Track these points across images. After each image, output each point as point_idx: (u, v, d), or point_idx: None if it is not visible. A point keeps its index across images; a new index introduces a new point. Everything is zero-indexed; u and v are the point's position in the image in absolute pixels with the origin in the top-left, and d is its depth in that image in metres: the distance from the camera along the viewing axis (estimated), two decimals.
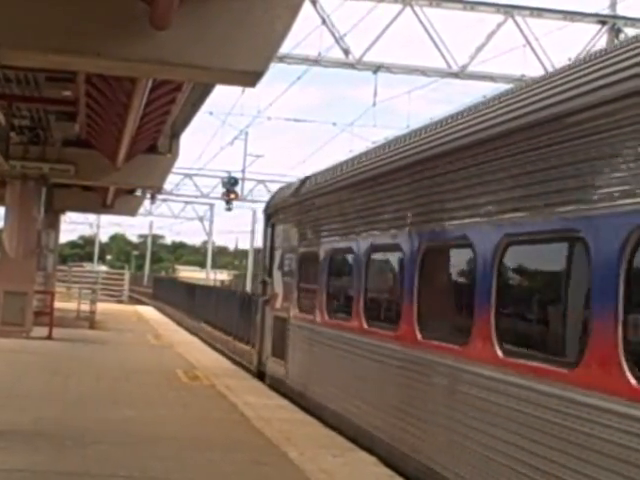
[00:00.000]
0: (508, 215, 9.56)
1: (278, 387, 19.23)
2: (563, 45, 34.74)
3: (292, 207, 19.40)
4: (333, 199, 16.36)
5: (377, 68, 29.95)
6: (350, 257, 15.19)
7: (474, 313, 10.12)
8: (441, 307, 12.08)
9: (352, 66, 29.49)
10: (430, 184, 11.76)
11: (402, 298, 12.49)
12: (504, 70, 31.77)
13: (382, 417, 12.87)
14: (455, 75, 30.34)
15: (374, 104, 33.70)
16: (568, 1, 33.16)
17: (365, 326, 14.02)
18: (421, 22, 29.19)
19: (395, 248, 12.97)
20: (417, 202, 12.26)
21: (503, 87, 32.11)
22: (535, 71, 30.76)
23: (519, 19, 30.64)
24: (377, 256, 14.23)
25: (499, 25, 30.56)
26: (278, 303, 20.03)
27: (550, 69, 30.43)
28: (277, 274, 20.33)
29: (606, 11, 31.72)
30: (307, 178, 18.95)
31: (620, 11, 31.80)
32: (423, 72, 30.59)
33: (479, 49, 30.47)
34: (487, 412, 9.59)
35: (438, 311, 12.08)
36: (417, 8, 29.03)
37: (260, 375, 21.43)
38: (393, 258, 13.65)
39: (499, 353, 9.53)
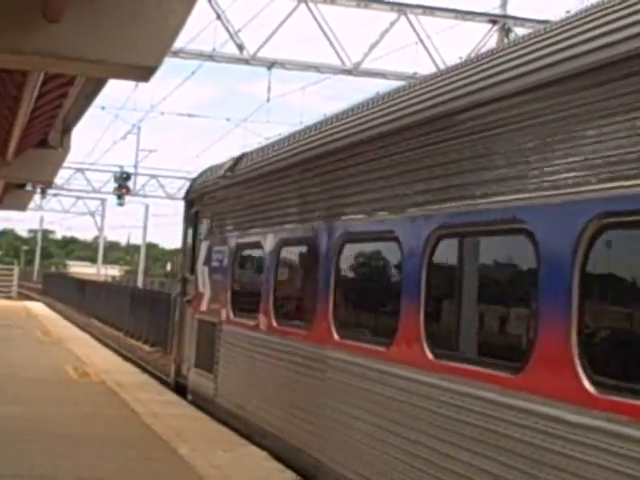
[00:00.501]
0: (438, 206, 8.81)
1: (204, 405, 16.25)
2: (455, 43, 35.28)
3: (224, 190, 16.25)
4: (277, 179, 13.77)
5: (271, 64, 30.03)
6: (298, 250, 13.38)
7: (400, 312, 9.31)
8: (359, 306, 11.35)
9: (246, 62, 29.51)
10: (355, 171, 10.91)
11: (315, 296, 11.61)
12: (397, 67, 32.19)
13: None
14: (349, 72, 30.60)
15: (268, 100, 33.82)
16: (460, 0, 33.60)
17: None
18: (315, 19, 29.37)
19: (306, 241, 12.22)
20: (338, 193, 11.34)
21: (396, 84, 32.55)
22: (427, 69, 31.26)
23: (412, 17, 30.98)
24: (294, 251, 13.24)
25: (392, 23, 30.87)
26: (204, 304, 16.75)
27: (442, 67, 30.95)
28: (203, 270, 16.96)
29: (497, 11, 32.21)
30: (243, 155, 15.88)
31: (510, 11, 32.44)
32: (317, 68, 30.79)
33: (373, 46, 30.78)
34: (417, 418, 8.84)
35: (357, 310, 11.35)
36: (312, 4, 29.21)
37: (179, 389, 18.20)
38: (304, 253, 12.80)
39: (429, 355, 8.79)
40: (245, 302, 14.94)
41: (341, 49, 30.11)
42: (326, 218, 11.52)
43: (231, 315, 15.08)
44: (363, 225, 10.61)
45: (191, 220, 18.35)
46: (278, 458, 12.24)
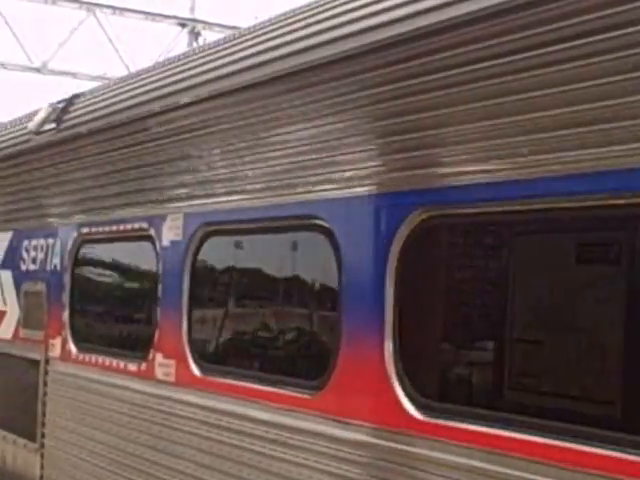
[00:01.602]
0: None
1: None
2: (147, 45, 35.60)
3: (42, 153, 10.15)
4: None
5: None
6: None
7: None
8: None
9: None
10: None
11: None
12: (88, 67, 32.20)
13: None
14: (37, 70, 30.69)
15: None
16: (152, 2, 34.26)
17: None
18: (1, 14, 29.19)
19: None
20: None
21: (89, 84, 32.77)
22: (118, 70, 32.26)
23: (101, 16, 31.41)
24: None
25: (81, 22, 31.10)
26: (7, 327, 10.38)
27: (132, 68, 31.67)
28: None
29: (187, 14, 32.87)
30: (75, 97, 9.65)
31: (198, 15, 33.05)
32: (3, 65, 30.51)
33: (62, 45, 30.99)
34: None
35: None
36: None
37: None
38: None
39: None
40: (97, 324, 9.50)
41: (28, 46, 30.10)
42: None
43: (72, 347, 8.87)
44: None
45: None
46: None
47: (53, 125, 8.95)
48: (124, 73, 31.02)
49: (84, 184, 8.38)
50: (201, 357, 6.64)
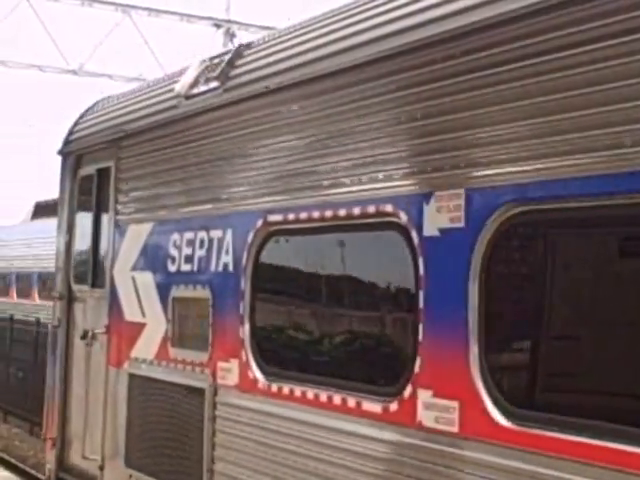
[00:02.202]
0: None
1: None
2: (182, 46, 35.87)
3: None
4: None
5: None
6: None
7: None
8: None
9: None
10: None
11: None
12: (123, 69, 32.40)
13: None
14: (73, 72, 30.40)
15: None
16: (187, 2, 34.18)
17: None
18: (38, 16, 28.95)
19: None
20: None
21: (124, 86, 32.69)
22: (153, 71, 31.70)
23: (137, 18, 31.11)
24: None
25: (117, 24, 30.94)
26: (149, 346, 8.01)
27: (168, 69, 31.38)
28: (134, 280, 8.35)
29: (222, 15, 33.05)
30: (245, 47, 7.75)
31: (233, 16, 32.82)
32: (40, 68, 30.33)
33: (97, 47, 30.69)
34: None
35: None
36: (34, 1, 28.70)
37: None
38: None
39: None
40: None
41: (65, 48, 29.95)
42: None
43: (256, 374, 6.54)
44: None
45: (85, 191, 9.64)
46: None
47: (215, 84, 7.25)
48: (160, 74, 31.68)
49: (272, 157, 6.34)
50: (509, 399, 4.57)
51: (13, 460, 16.45)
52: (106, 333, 8.56)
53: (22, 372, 20.75)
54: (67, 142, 9.91)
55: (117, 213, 8.52)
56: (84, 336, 8.95)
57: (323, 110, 5.86)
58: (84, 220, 9.37)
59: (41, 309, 25.24)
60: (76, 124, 10.01)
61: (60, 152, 9.93)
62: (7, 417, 20.47)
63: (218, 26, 32.04)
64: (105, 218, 8.85)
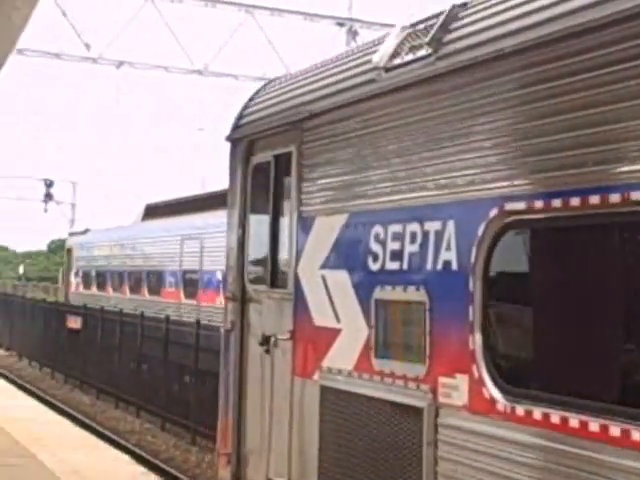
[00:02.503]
0: None
1: None
2: (303, 45, 35.54)
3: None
4: None
5: (119, 64, 29.57)
6: None
7: None
8: None
9: (94, 61, 28.96)
10: None
11: None
12: (246, 68, 32.21)
13: None
14: (199, 72, 30.40)
15: (118, 100, 33.47)
16: (308, 2, 33.93)
17: None
18: (163, 18, 29.09)
19: None
20: None
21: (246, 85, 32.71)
22: (276, 70, 31.44)
23: (260, 18, 30.87)
24: None
25: (241, 24, 30.84)
26: (349, 355, 6.81)
27: (291, 68, 31.20)
28: (327, 280, 7.24)
29: (345, 13, 32.70)
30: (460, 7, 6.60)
31: (356, 14, 32.29)
32: (166, 69, 30.48)
33: (221, 47, 30.68)
34: None
35: None
36: (159, 3, 28.89)
37: None
38: None
39: None
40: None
41: (190, 49, 29.94)
42: None
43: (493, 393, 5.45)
44: None
45: (259, 180, 8.58)
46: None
47: (425, 52, 6.16)
48: (282, 73, 31.72)
49: (508, 132, 5.25)
50: None
51: (145, 454, 16.45)
52: (291, 339, 7.47)
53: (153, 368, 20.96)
54: (236, 127, 8.87)
55: (301, 204, 7.43)
56: (264, 342, 7.85)
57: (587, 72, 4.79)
58: (259, 213, 8.33)
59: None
60: (246, 107, 8.99)
61: (229, 138, 8.90)
62: (140, 412, 20.86)
63: (341, 25, 31.92)
64: (286, 210, 7.81)
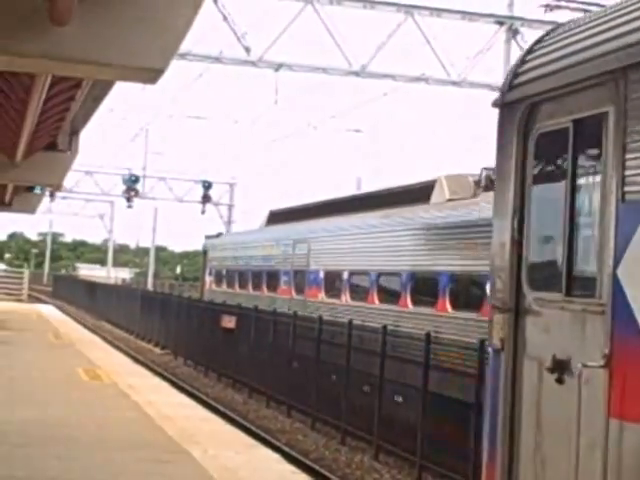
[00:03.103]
0: None
1: None
2: (462, 44, 35.24)
3: None
4: None
5: (278, 66, 30.01)
6: None
7: None
8: None
9: (253, 64, 29.43)
10: None
11: None
12: (404, 69, 32.18)
13: None
14: (356, 74, 30.53)
15: (276, 102, 33.97)
16: (467, 1, 33.66)
17: None
18: (322, 20, 29.36)
19: None
20: None
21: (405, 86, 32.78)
22: (435, 71, 31.42)
23: (419, 18, 30.64)
24: None
25: (399, 24, 30.79)
26: None
27: (449, 68, 31.11)
28: None
29: (504, 11, 31.76)
30: None
31: (516, 12, 31.93)
32: (324, 70, 30.70)
33: (380, 48, 30.68)
34: None
35: None
36: (318, 6, 29.18)
37: None
38: None
39: None
40: None
41: (348, 50, 30.06)
42: None
43: None
44: None
45: (546, 154, 6.89)
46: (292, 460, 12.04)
47: None
48: (441, 74, 31.75)
49: None
50: None
51: (295, 454, 16.65)
52: (605, 367, 5.64)
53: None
54: (510, 87, 7.05)
55: (624, 183, 5.60)
56: (556, 368, 6.10)
57: None
58: (547, 196, 6.55)
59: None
60: (522, 62, 7.17)
61: (498, 103, 7.14)
62: (290, 411, 21.25)
63: (501, 23, 31.42)
64: (594, 193, 6.03)
